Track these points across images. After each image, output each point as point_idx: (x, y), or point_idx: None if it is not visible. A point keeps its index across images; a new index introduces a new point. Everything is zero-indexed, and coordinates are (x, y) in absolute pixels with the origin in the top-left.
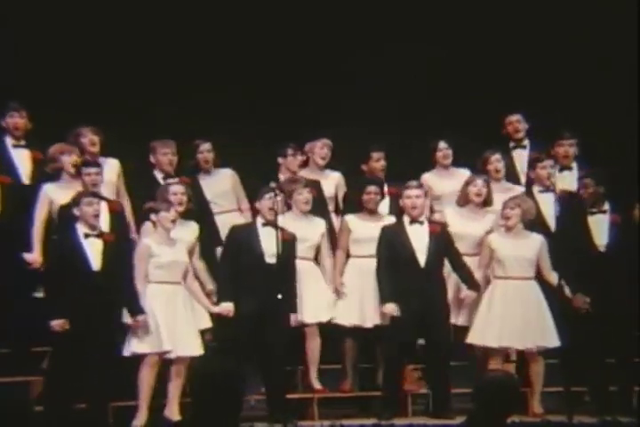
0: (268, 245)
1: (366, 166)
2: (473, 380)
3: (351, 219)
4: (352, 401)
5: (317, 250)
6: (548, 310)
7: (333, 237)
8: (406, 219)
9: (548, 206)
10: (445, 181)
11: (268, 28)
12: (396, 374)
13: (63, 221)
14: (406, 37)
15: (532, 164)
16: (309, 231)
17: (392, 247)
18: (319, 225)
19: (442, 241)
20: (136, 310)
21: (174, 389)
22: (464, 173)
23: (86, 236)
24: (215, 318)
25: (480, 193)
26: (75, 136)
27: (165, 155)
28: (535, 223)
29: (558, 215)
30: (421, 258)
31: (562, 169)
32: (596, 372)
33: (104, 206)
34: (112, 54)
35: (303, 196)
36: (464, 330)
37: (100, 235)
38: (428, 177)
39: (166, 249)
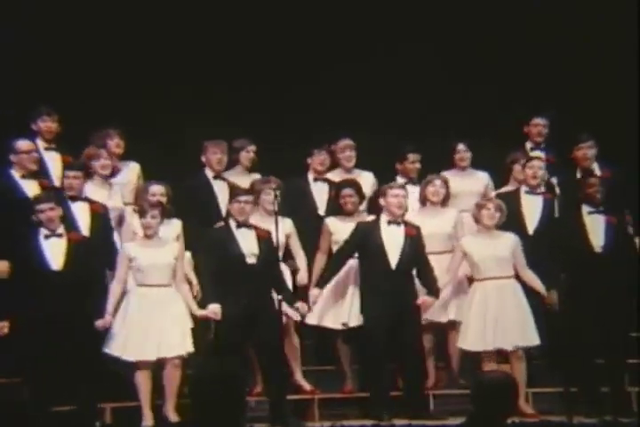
0: (247, 245)
1: (401, 166)
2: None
3: (331, 221)
4: (352, 402)
5: (286, 250)
6: (529, 307)
7: None
8: (384, 219)
9: (530, 207)
10: (458, 181)
11: (287, 28)
12: (379, 373)
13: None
14: (422, 38)
15: (524, 163)
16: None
17: (362, 244)
18: (285, 225)
19: (415, 244)
20: (97, 314)
21: (168, 391)
22: (482, 176)
23: (46, 237)
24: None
25: (437, 193)
26: (103, 136)
27: (215, 154)
28: (511, 223)
29: (558, 216)
30: (393, 260)
31: (584, 171)
32: (590, 372)
33: (86, 207)
34: (137, 58)
35: (270, 196)
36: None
37: (63, 235)
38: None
39: (146, 252)
